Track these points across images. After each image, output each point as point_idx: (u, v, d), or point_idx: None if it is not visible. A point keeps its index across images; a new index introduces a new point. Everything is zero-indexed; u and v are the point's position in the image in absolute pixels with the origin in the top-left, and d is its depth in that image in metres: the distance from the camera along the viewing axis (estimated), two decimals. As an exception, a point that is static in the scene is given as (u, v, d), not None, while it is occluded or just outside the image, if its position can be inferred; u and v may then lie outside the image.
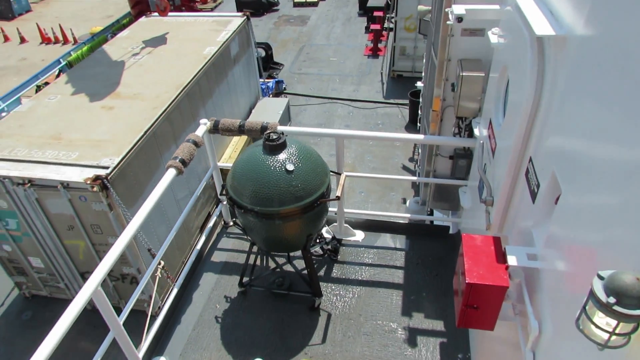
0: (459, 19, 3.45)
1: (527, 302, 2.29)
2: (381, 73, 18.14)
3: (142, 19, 12.80)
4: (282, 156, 3.57)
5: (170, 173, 3.85)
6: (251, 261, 4.40)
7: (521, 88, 2.59)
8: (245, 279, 4.31)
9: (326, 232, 4.96)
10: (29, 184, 7.07)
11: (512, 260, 2.31)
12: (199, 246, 4.59)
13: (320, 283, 4.43)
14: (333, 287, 4.44)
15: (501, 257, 2.42)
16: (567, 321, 1.93)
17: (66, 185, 7.00)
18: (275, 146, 3.58)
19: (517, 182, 2.75)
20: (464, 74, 3.71)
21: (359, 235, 4.99)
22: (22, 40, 22.95)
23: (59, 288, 8.79)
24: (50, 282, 8.76)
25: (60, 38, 22.62)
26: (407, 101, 15.43)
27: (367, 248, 4.84)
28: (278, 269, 4.53)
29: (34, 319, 8.96)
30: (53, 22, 23.48)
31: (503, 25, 3.20)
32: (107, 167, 7.09)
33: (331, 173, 3.97)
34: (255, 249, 4.33)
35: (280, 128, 3.78)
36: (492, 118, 3.29)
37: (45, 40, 22.80)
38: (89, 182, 6.80)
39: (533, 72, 2.40)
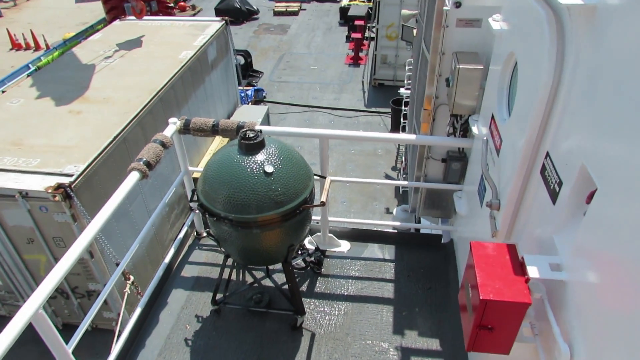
0: (457, 3, 3.13)
1: (553, 321, 1.92)
2: (362, 82, 17.94)
3: (117, 22, 12.29)
4: (260, 157, 3.16)
5: (133, 177, 3.40)
6: (225, 276, 3.94)
7: (535, 74, 2.26)
8: (219, 296, 3.85)
9: (309, 243, 4.54)
10: (-16, 194, 6.46)
11: (532, 271, 1.95)
12: (167, 259, 4.11)
13: (303, 299, 4.00)
14: (317, 304, 4.02)
15: (519, 268, 2.06)
16: (608, 344, 1.56)
17: (25, 195, 6.43)
18: (252, 145, 3.17)
19: (530, 181, 2.40)
20: (460, 66, 3.38)
21: (344, 246, 4.59)
22: (-9, 45, 22.04)
23: (18, 307, 8.08)
24: (9, 300, 8.08)
25: (32, 44, 21.81)
26: (389, 109, 15.26)
27: (354, 260, 4.44)
28: (256, 284, 4.08)
29: (-9, 341, 8.20)
30: (25, 28, 22.65)
31: (508, 8, 2.89)
32: (71, 175, 6.55)
33: (315, 177, 3.57)
34: (230, 261, 3.88)
35: (258, 127, 3.36)
36: (495, 113, 2.95)
37: (16, 46, 21.94)
38: (50, 190, 6.25)
39: (552, 52, 2.07)
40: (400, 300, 4.09)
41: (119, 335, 3.59)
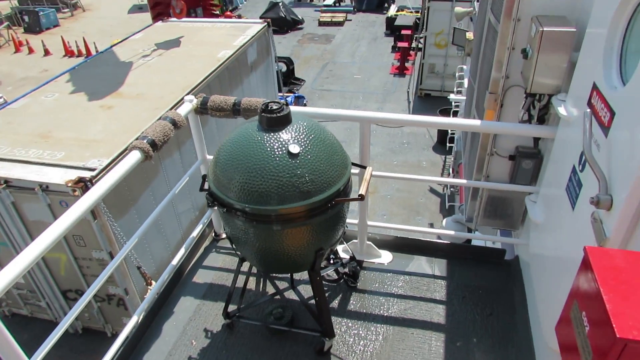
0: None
1: None
2: (407, 92, 17.17)
3: (159, 23, 12.18)
4: (284, 135, 2.51)
5: (133, 157, 2.83)
6: (240, 284, 3.29)
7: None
8: (232, 308, 3.20)
9: (343, 251, 3.83)
10: (4, 185, 6.17)
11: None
12: (176, 261, 3.51)
13: (333, 318, 3.28)
14: (350, 324, 3.29)
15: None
16: None
17: (45, 188, 6.08)
18: (275, 120, 2.52)
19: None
20: (545, 29, 2.62)
21: (385, 257, 3.85)
22: (46, 52, 22.93)
23: (40, 307, 7.80)
24: (31, 299, 7.78)
25: (84, 51, 22.49)
26: (435, 120, 14.41)
27: (396, 274, 3.69)
28: (277, 296, 3.40)
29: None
30: (79, 36, 23.46)
31: None
32: (93, 169, 6.16)
33: (353, 166, 2.88)
34: (246, 266, 3.22)
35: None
36: (600, 81, 2.18)
37: (69, 53, 22.70)
38: (70, 184, 5.87)
39: None
40: (454, 327, 3.30)
41: (123, 345, 3.00)
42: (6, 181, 6.16)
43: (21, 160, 6.37)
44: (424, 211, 11.46)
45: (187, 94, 7.98)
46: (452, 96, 10.11)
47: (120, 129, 7.09)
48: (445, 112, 13.26)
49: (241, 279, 3.32)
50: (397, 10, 23.50)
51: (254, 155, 2.47)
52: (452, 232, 3.77)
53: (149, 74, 8.97)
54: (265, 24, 11.82)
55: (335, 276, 3.64)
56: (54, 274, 7.14)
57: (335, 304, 3.47)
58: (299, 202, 2.46)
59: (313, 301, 3.06)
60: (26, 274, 7.27)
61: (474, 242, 4.67)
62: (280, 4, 23.48)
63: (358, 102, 16.62)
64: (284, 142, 2.49)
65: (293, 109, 2.71)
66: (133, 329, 3.08)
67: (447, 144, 12.35)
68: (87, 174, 6.03)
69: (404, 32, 19.12)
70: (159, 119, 3.12)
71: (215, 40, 10.64)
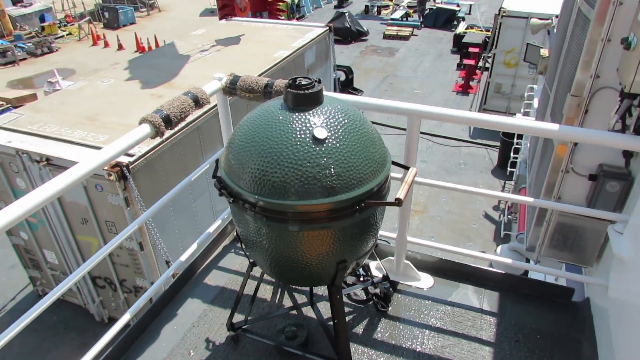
0: None
1: None
2: (470, 110, 16.27)
3: (222, 21, 12.26)
4: (312, 117, 2.06)
5: (141, 131, 2.48)
6: (250, 291, 2.85)
7: None
8: (238, 318, 2.76)
9: (376, 269, 3.31)
10: (45, 162, 6.16)
11: None
12: (184, 257, 3.14)
13: (356, 346, 2.77)
14: (373, 356, 2.76)
15: None
16: None
17: (83, 169, 5.96)
18: (302, 97, 2.08)
19: None
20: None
21: (425, 281, 3.28)
22: (120, 47, 24.06)
23: (71, 291, 7.79)
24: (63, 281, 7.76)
25: (153, 47, 23.35)
26: (497, 142, 13.48)
27: (436, 302, 3.11)
28: (293, 311, 2.94)
29: (39, 320, 7.90)
30: (151, 34, 24.44)
31: None
32: (132, 155, 6.01)
33: (394, 165, 2.38)
34: (259, 271, 2.79)
35: (327, 93, 2.26)
36: None
37: (140, 49, 23.67)
38: (106, 167, 5.73)
39: None
40: (501, 377, 2.68)
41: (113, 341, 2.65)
42: (47, 159, 6.14)
43: (65, 139, 6.36)
44: (475, 237, 10.61)
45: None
46: (518, 115, 9.29)
47: (165, 118, 6.94)
48: (509, 136, 12.34)
49: (250, 285, 2.88)
50: (467, 28, 22.66)
51: (272, 138, 2.03)
52: (508, 261, 3.13)
53: (204, 68, 8.90)
54: (327, 28, 11.54)
55: (363, 296, 3.12)
56: (85, 258, 7.07)
57: (359, 329, 2.94)
58: (320, 198, 1.99)
59: (332, 323, 2.56)
60: (60, 255, 7.25)
61: (532, 277, 3.98)
62: (347, 14, 23.32)
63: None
64: (309, 125, 2.03)
65: (329, 94, 2.26)
66: (128, 327, 2.72)
67: (508, 169, 11.43)
68: (125, 160, 5.90)
69: (471, 49, 18.30)
70: (183, 93, 2.77)
71: (274, 40, 10.49)
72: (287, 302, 3.08)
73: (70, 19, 28.69)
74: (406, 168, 2.32)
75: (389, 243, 3.41)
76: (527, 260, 4.23)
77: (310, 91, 2.08)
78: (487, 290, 3.19)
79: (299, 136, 2.00)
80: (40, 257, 7.59)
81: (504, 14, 13.74)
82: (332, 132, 2.04)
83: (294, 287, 3.14)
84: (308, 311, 2.98)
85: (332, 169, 1.98)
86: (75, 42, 25.67)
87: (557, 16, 8.41)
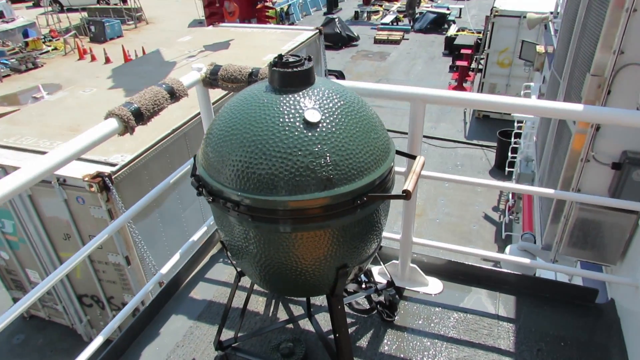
0: None
1: None
2: (464, 112, 16.11)
3: (209, 27, 12.01)
4: (302, 99, 1.77)
5: (107, 126, 2.17)
6: (239, 304, 2.53)
7: None
8: (227, 335, 2.44)
9: (379, 274, 3.00)
10: (24, 175, 5.78)
11: None
12: (165, 269, 2.82)
13: (360, 361, 2.46)
14: (381, 372, 2.44)
15: None
16: None
17: (62, 182, 5.67)
18: (291, 77, 1.79)
19: None
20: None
21: (433, 286, 2.98)
22: (107, 60, 23.75)
23: (57, 311, 7.40)
24: (48, 302, 7.41)
25: (141, 60, 23.07)
26: (493, 143, 13.27)
27: (447, 309, 2.81)
28: (289, 324, 2.62)
29: (25, 344, 7.58)
30: (139, 47, 24.16)
31: None
32: (114, 165, 5.69)
33: (399, 155, 2.09)
34: (247, 282, 2.47)
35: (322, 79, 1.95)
36: None
37: (127, 61, 23.33)
38: (87, 179, 5.41)
39: None
40: (525, 392, 2.37)
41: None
42: (26, 172, 5.79)
43: (42, 151, 6.03)
44: (476, 240, 10.33)
45: (225, 94, 7.49)
46: (516, 114, 9.05)
47: (150, 126, 6.62)
48: (505, 135, 12.14)
49: (240, 297, 2.57)
50: (457, 31, 22.58)
51: (256, 124, 1.73)
52: (526, 261, 2.83)
53: (190, 74, 8.60)
54: (317, 31, 11.32)
55: (366, 305, 2.81)
56: (70, 277, 6.71)
57: (363, 341, 2.63)
58: (314, 192, 1.69)
59: (333, 336, 2.24)
60: (43, 273, 6.89)
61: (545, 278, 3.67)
62: (337, 19, 23.20)
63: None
64: (299, 107, 1.74)
65: (322, 79, 1.96)
66: (100, 352, 2.39)
67: (507, 169, 11.20)
68: (108, 169, 5.57)
69: (463, 51, 18.16)
70: (156, 84, 2.47)
71: (263, 44, 10.25)
72: (282, 315, 2.76)
73: (56, 34, 28.34)
74: (412, 157, 2.03)
75: (394, 247, 3.11)
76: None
77: (299, 69, 1.79)
78: (503, 294, 2.89)
79: (287, 120, 1.71)
80: (23, 277, 7.21)
81: (497, 14, 13.61)
82: (327, 114, 1.74)
83: (290, 298, 2.83)
84: (306, 324, 2.67)
85: (327, 158, 1.69)
86: (60, 57, 25.34)
87: (551, 12, 8.23)
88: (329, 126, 1.72)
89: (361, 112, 1.85)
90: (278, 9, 25.77)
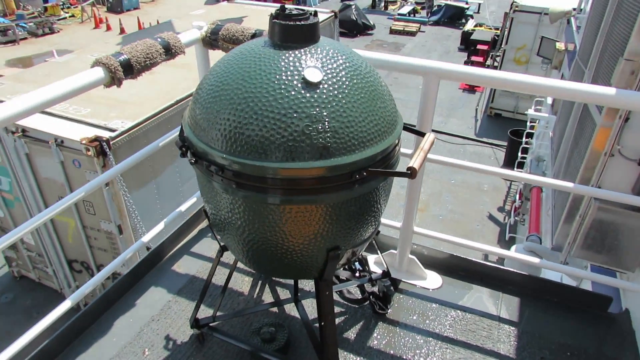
0: None
1: None
2: (476, 109, 15.80)
3: (223, 2, 11.76)
4: (303, 56, 1.57)
5: (92, 74, 1.99)
6: (220, 281, 2.36)
7: None
8: (204, 313, 2.28)
9: (375, 263, 2.82)
10: (21, 134, 5.66)
11: None
12: (146, 238, 2.66)
13: (346, 353, 2.30)
14: (369, 366, 2.27)
15: None
16: None
17: (60, 143, 5.51)
18: (293, 30, 1.59)
19: None
20: None
21: (432, 280, 2.80)
22: (122, 31, 23.54)
23: (47, 274, 7.32)
24: (39, 264, 7.32)
25: (154, 33, 22.85)
26: (504, 142, 13.00)
27: (445, 306, 2.63)
28: (274, 308, 2.45)
29: (13, 303, 7.51)
30: (154, 20, 23.90)
31: None
32: (114, 130, 5.52)
33: (406, 131, 1.89)
34: (230, 259, 2.30)
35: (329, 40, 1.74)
36: None
37: (141, 32, 23.11)
38: (84, 142, 5.24)
39: None
40: (521, 399, 2.20)
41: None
42: (23, 130, 5.66)
43: (44, 111, 5.87)
44: (478, 239, 10.12)
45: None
46: (530, 111, 8.80)
47: (154, 94, 6.47)
48: (517, 135, 11.86)
49: (221, 274, 2.40)
50: (475, 26, 22.14)
51: (249, 79, 1.54)
52: (535, 260, 2.63)
53: (200, 46, 8.39)
54: (332, 14, 11.03)
55: (358, 295, 2.63)
56: (61, 240, 6.60)
57: (351, 333, 2.46)
58: (309, 161, 1.50)
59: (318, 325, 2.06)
60: (36, 235, 6.78)
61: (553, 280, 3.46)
62: (353, 6, 22.79)
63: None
64: (299, 65, 1.54)
65: (328, 39, 1.75)
66: (71, 317, 2.24)
67: (515, 169, 10.96)
68: (106, 134, 5.41)
69: (479, 46, 17.79)
70: (152, 37, 2.28)
71: (276, 23, 9.99)
72: (268, 297, 2.59)
73: (74, 2, 28.15)
74: (421, 135, 1.83)
75: (393, 235, 2.92)
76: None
77: (302, 22, 1.59)
78: (506, 295, 2.71)
79: (284, 78, 1.52)
80: (16, 238, 7.11)
81: (516, 9, 13.23)
82: (329, 75, 1.55)
83: (277, 280, 2.66)
84: (291, 309, 2.50)
85: (325, 123, 1.50)
86: (77, 25, 25.18)
87: (574, 9, 7.91)
88: (331, 88, 1.52)
89: (368, 77, 1.66)
90: (295, -9, 25.38)
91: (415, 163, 1.58)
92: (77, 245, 6.49)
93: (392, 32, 23.28)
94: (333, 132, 1.51)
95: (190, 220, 3.08)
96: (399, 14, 25.50)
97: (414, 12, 25.97)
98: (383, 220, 2.72)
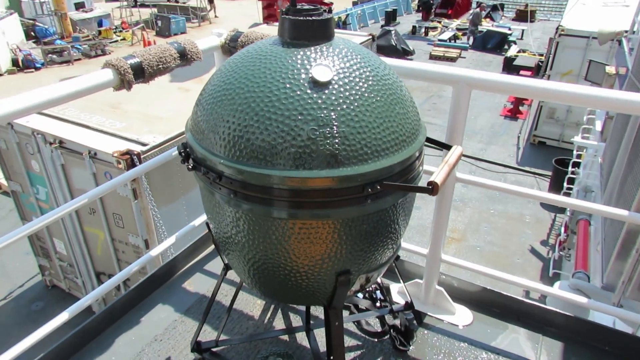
0: None
1: None
2: (518, 137, 15.21)
3: (263, 25, 11.98)
4: (314, 54, 1.41)
5: (102, 76, 1.90)
6: (226, 301, 2.18)
7: None
8: (207, 336, 2.10)
9: (397, 292, 2.57)
10: (58, 145, 5.80)
11: None
12: (155, 253, 2.53)
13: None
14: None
15: None
16: None
17: (93, 155, 5.59)
18: (304, 26, 1.44)
19: None
20: None
21: (461, 316, 2.51)
22: (167, 53, 24.44)
23: (77, 284, 7.39)
24: (70, 274, 7.41)
25: (199, 55, 23.59)
26: (548, 172, 12.38)
27: (476, 347, 2.34)
28: (284, 335, 2.25)
29: (42, 312, 7.61)
30: (198, 42, 24.78)
31: None
32: (145, 144, 5.56)
33: (429, 144, 1.69)
34: (234, 277, 2.13)
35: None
36: None
37: (186, 55, 23.95)
38: (116, 154, 5.29)
39: None
40: None
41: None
42: (60, 141, 5.79)
43: (81, 124, 6.02)
44: (519, 274, 9.51)
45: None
46: (577, 139, 8.31)
47: (188, 110, 6.47)
48: (562, 164, 11.26)
49: (226, 294, 2.22)
50: (518, 52, 21.62)
51: (253, 78, 1.40)
52: (583, 299, 2.30)
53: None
54: (370, 37, 10.97)
55: (378, 327, 2.39)
56: (91, 252, 6.66)
57: (368, 369, 2.21)
58: (313, 170, 1.32)
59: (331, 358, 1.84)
60: (68, 245, 6.87)
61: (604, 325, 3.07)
62: (393, 32, 22.81)
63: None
64: (307, 63, 1.38)
65: (344, 38, 1.59)
66: (65, 332, 2.12)
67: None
68: (138, 148, 5.44)
69: (522, 72, 17.27)
70: (168, 42, 2.19)
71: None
72: (278, 323, 2.39)
73: (126, 26, 29.72)
74: (447, 148, 1.62)
75: (419, 263, 2.67)
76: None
77: (315, 18, 1.44)
78: (547, 338, 2.39)
79: (290, 76, 1.36)
80: (50, 246, 7.26)
81: (562, 33, 12.76)
82: (340, 75, 1.38)
83: (289, 305, 2.46)
84: (302, 338, 2.28)
85: (334, 127, 1.32)
86: (127, 47, 26.45)
87: (626, 31, 7.48)
88: (342, 89, 1.35)
89: (386, 79, 1.48)
90: (336, 17, 25.71)
91: (437, 177, 1.37)
92: (105, 258, 6.52)
93: (432, 57, 23.06)
94: (343, 137, 1.33)
95: (205, 235, 2.95)
96: (439, 40, 25.30)
97: (454, 38, 25.70)
98: (407, 245, 2.49)
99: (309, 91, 1.34)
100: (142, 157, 5.38)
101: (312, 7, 1.48)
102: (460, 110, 1.95)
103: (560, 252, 8.61)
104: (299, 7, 1.49)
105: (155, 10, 31.97)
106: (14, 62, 21.40)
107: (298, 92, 1.34)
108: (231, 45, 2.41)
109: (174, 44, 2.18)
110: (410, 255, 2.60)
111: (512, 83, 1.89)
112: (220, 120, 1.42)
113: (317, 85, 1.34)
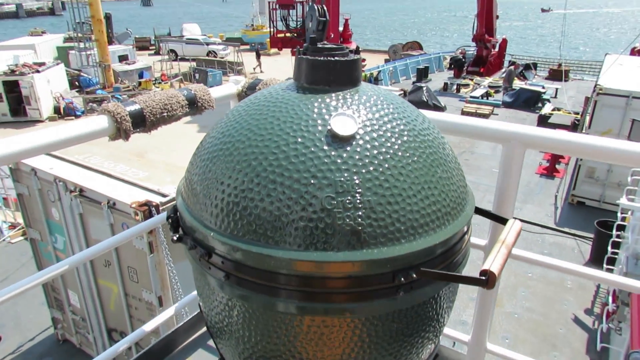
0: None
1: None
2: (556, 196, 14.52)
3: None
4: (335, 102, 1.13)
5: (96, 123, 1.68)
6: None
7: None
8: None
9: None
10: (78, 193, 5.69)
11: None
12: (150, 326, 2.21)
13: None
14: None
15: None
16: None
17: (112, 205, 5.43)
18: (325, 68, 1.18)
19: None
20: None
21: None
22: (201, 105, 25.24)
23: (88, 340, 7.08)
24: (82, 328, 7.12)
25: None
26: (589, 234, 11.61)
27: None
28: None
29: (52, 371, 7.26)
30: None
31: None
32: (165, 195, 5.38)
33: (479, 214, 1.35)
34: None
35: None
36: None
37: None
38: (133, 205, 5.12)
39: None
40: None
41: None
42: (81, 190, 5.69)
43: (104, 172, 5.94)
44: (563, 346, 8.67)
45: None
46: (622, 200, 7.71)
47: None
48: (605, 226, 10.53)
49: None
50: (553, 110, 21.22)
51: (258, 131, 1.12)
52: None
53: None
54: (402, 92, 10.93)
55: None
56: (104, 306, 6.39)
57: None
58: (329, 251, 1.00)
59: None
60: (82, 298, 6.63)
61: None
62: (425, 88, 22.89)
63: (491, 196, 14.36)
64: (325, 112, 1.10)
65: (372, 85, 1.31)
66: None
67: (605, 265, 9.56)
68: (157, 199, 5.26)
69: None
70: (178, 89, 1.98)
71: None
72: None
73: (165, 78, 31.13)
74: (502, 221, 1.27)
75: (460, 349, 2.25)
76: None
77: (338, 58, 1.17)
78: None
79: (302, 128, 1.07)
80: (64, 297, 7.04)
81: (600, 92, 12.41)
82: (367, 128, 1.08)
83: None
84: None
85: (357, 195, 1.01)
86: (164, 98, 27.51)
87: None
88: (368, 146, 1.05)
89: (425, 134, 1.17)
90: (368, 73, 26.17)
91: (493, 265, 1.02)
92: (118, 314, 6.22)
93: (464, 113, 22.87)
94: (368, 209, 1.01)
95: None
96: (471, 97, 25.24)
97: (487, 95, 25.60)
98: (446, 329, 2.08)
99: (325, 147, 1.04)
100: (160, 208, 5.19)
101: (335, 45, 1.22)
102: (513, 173, 1.61)
103: (609, 324, 7.79)
104: (319, 45, 1.23)
105: (194, 64, 33.51)
106: (56, 110, 22.44)
107: (312, 149, 1.04)
108: (248, 94, 2.19)
109: (184, 90, 1.97)
110: (447, 340, 2.19)
111: (578, 142, 1.55)
112: (214, 181, 1.13)
113: (337, 140, 1.05)
